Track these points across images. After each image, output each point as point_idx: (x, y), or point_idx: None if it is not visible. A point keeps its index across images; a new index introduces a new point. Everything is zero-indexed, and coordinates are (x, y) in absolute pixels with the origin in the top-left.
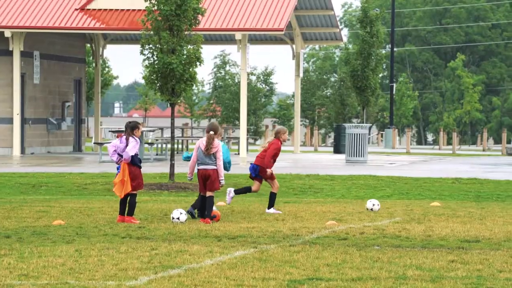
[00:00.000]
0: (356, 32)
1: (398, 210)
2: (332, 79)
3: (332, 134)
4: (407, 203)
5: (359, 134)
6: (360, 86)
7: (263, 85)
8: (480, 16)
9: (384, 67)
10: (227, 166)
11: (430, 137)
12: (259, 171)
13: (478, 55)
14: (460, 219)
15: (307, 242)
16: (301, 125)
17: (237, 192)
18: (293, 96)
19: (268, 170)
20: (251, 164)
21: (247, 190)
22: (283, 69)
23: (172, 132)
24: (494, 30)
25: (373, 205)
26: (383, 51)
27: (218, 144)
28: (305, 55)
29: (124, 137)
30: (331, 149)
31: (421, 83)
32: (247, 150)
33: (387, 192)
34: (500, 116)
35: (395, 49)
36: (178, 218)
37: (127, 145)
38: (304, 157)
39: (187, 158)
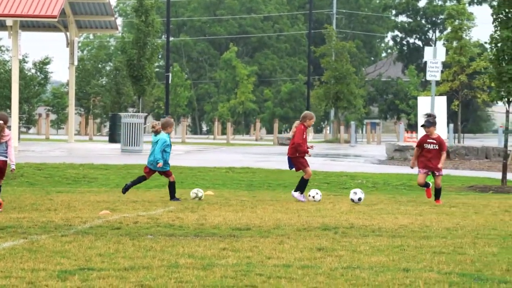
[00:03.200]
0: (131, 21)
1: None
2: (108, 68)
3: (107, 123)
4: (181, 192)
5: (135, 123)
6: (136, 75)
7: (38, 73)
8: (252, 8)
9: (160, 56)
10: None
11: (205, 127)
12: (291, 161)
13: (251, 46)
14: (233, 208)
15: (80, 232)
16: (75, 113)
17: (300, 189)
18: (67, 84)
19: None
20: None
21: (303, 182)
22: (57, 57)
23: None
24: (266, 22)
25: (316, 193)
26: (159, 41)
27: (9, 132)
28: (80, 44)
29: None
30: (107, 138)
31: (196, 73)
32: (19, 138)
33: (162, 182)
34: (272, 107)
35: (170, 39)
36: None
37: None
38: (78, 146)
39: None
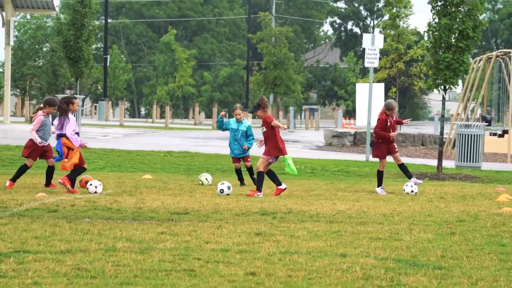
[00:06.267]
0: (68, 2)
1: (110, 183)
2: (45, 49)
3: None
4: (119, 175)
5: None
6: (73, 57)
7: None
8: None
9: (98, 38)
10: None
11: (143, 110)
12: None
13: (190, 30)
14: (171, 192)
15: (15, 214)
16: (12, 95)
17: (379, 183)
18: (3, 65)
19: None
20: None
21: (379, 175)
22: None
23: None
24: (206, 6)
25: (415, 183)
26: (97, 22)
27: None
28: (16, 23)
29: None
30: None
31: (135, 56)
32: None
33: (99, 165)
34: (211, 91)
35: (109, 20)
36: None
37: None
38: (15, 128)
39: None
